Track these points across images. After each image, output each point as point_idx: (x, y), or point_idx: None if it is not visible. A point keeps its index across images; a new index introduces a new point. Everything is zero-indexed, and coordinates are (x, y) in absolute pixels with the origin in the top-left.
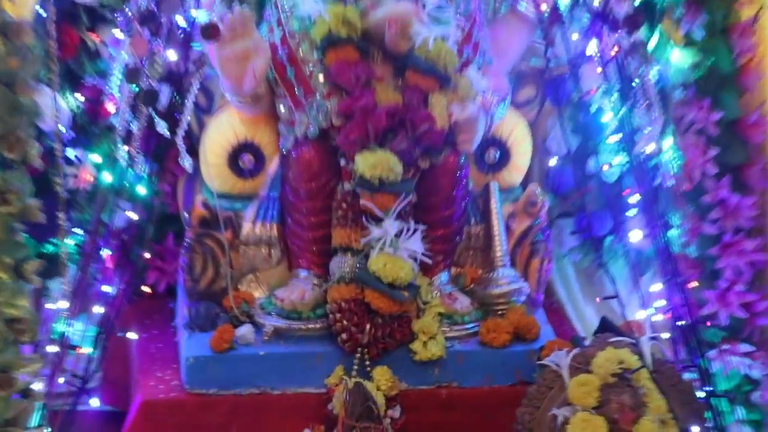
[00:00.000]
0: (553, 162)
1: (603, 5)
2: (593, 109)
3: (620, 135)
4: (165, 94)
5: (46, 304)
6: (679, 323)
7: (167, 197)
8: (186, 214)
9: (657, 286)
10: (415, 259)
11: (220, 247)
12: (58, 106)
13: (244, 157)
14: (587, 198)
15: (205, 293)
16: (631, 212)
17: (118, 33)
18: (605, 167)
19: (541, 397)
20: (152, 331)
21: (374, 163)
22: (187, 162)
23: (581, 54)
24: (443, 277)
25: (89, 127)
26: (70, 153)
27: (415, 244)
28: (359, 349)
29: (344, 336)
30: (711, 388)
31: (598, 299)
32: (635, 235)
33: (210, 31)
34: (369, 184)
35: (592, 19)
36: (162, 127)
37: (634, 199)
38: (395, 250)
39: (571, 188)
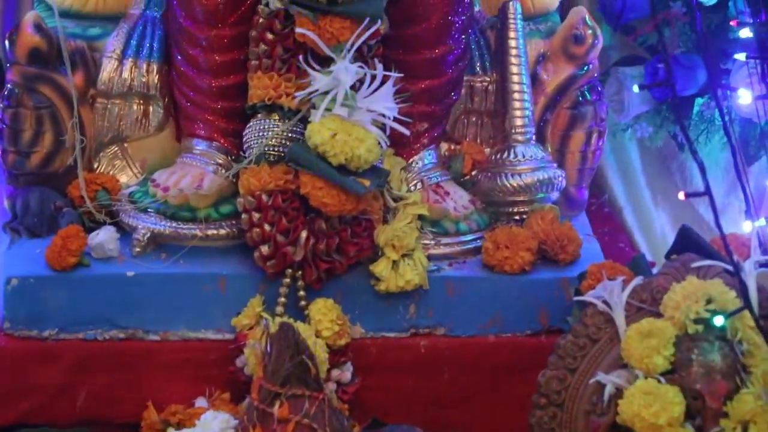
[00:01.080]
0: None
1: None
2: None
3: None
4: None
5: None
6: None
7: None
8: (7, 43)
9: None
10: (383, 128)
11: (63, 99)
12: None
13: None
14: (667, 32)
15: (38, 175)
16: (740, 57)
17: None
18: None
19: (579, 354)
20: None
21: None
22: None
23: None
24: (428, 157)
25: None
26: None
27: (384, 101)
28: (289, 272)
29: (265, 249)
30: None
31: (680, 195)
32: (744, 97)
33: None
34: (311, 2)
35: None
36: None
37: (746, 34)
38: (351, 111)
39: (642, 15)
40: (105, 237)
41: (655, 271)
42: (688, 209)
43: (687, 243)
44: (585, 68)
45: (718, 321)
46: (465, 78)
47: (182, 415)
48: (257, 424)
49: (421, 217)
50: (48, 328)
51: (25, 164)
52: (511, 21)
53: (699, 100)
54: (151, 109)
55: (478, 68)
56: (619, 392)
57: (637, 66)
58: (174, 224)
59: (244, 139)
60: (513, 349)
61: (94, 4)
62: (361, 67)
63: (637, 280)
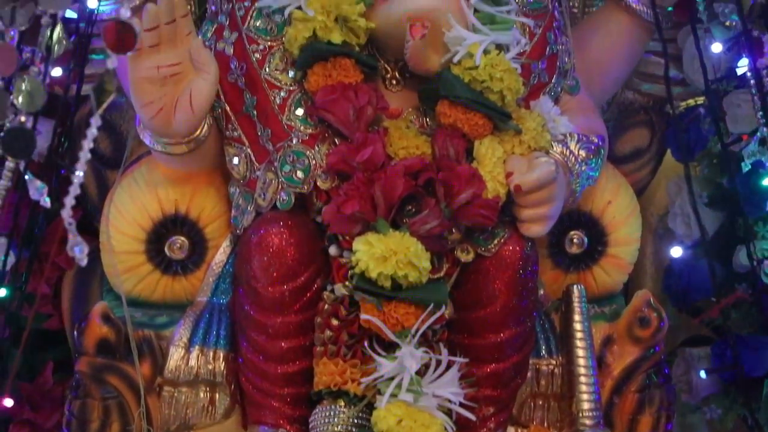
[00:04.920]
0: (676, 253)
1: None
2: (746, 165)
3: None
4: (44, 135)
5: None
6: None
7: (45, 304)
8: (76, 333)
9: None
10: (450, 413)
11: (130, 389)
12: None
13: (173, 241)
14: (734, 314)
15: None
16: None
17: None
18: None
19: None
20: None
21: (385, 253)
22: (78, 248)
23: (727, 76)
24: None
25: None
26: None
27: (450, 386)
28: None
29: None
30: None
31: None
32: None
33: (120, 35)
34: (376, 288)
35: (744, 20)
36: (38, 190)
37: None
38: (417, 396)
39: (708, 296)
40: None
41: None
42: None
43: None
44: (651, 351)
45: None
46: (531, 361)
47: None
48: None
49: None
50: None
51: None
52: (576, 304)
53: None
54: (217, 396)
55: (543, 351)
56: None
57: (703, 347)
58: None
59: (311, 426)
60: None
61: (161, 293)
62: (426, 352)
63: None
